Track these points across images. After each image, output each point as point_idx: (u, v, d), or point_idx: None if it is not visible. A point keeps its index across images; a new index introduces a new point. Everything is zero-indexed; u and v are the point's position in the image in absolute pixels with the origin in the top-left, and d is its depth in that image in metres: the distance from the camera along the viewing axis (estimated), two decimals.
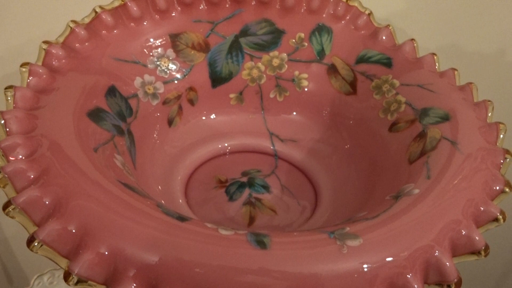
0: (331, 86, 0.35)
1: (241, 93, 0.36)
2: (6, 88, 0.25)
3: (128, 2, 0.31)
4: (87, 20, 0.31)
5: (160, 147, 0.32)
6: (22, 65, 0.27)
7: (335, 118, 0.34)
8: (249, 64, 0.35)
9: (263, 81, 0.36)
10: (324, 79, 0.35)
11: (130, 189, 0.21)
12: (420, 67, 0.32)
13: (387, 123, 0.30)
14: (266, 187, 0.32)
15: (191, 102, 0.34)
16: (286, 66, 0.35)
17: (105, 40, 0.31)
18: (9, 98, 0.25)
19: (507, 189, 0.23)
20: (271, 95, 0.36)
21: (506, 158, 0.24)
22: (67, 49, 0.29)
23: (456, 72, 0.31)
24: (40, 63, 0.28)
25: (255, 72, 0.35)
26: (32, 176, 0.21)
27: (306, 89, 0.35)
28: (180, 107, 0.34)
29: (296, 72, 0.35)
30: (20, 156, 0.22)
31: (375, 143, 0.30)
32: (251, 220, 0.29)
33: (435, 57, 0.32)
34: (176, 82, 0.33)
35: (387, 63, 0.33)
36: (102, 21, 0.30)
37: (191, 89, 0.34)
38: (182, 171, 0.32)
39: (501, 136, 0.26)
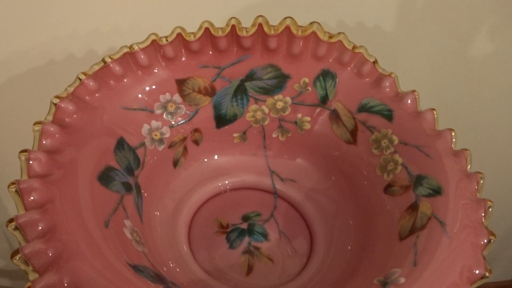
0: (333, 132, 0.36)
1: (244, 133, 0.37)
2: (20, 152, 0.27)
3: (138, 51, 0.31)
4: (96, 68, 0.31)
5: (164, 190, 0.33)
6: (35, 123, 0.28)
7: (334, 166, 0.35)
8: (253, 106, 0.36)
9: (266, 122, 0.36)
10: (326, 124, 0.36)
11: (139, 271, 0.23)
12: (419, 125, 0.32)
13: (383, 183, 0.32)
14: (264, 235, 0.34)
15: (196, 142, 0.36)
16: (290, 109, 0.36)
17: (114, 90, 0.31)
18: (23, 159, 0.27)
19: (487, 274, 0.25)
20: (274, 135, 0.37)
21: (490, 240, 0.26)
22: (77, 101, 0.30)
23: (453, 133, 0.32)
24: (51, 118, 0.29)
25: (259, 114, 0.36)
26: (50, 254, 0.23)
27: (308, 132, 0.36)
28: (185, 148, 0.35)
29: (299, 115, 0.36)
30: (39, 227, 0.23)
31: (372, 203, 0.31)
32: (249, 269, 0.31)
33: (434, 113, 0.33)
34: (181, 125, 0.34)
35: (388, 115, 0.34)
36: (110, 71, 0.31)
37: (196, 130, 0.35)
38: (186, 212, 0.34)
39: (490, 210, 0.28)
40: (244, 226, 0.34)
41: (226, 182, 0.37)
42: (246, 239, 0.33)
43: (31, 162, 0.26)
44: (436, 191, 0.28)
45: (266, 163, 0.37)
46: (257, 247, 0.33)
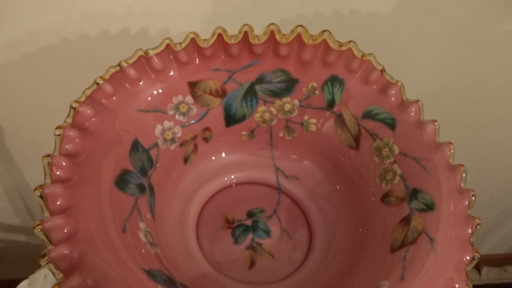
0: (337, 136, 0.37)
1: (252, 131, 0.38)
2: (44, 156, 0.29)
3: (152, 56, 0.32)
4: (112, 71, 0.32)
5: (175, 187, 0.36)
6: (56, 128, 0.30)
7: (338, 170, 0.37)
8: (262, 108, 0.37)
9: (274, 122, 0.38)
10: (331, 127, 0.37)
11: (152, 276, 0.26)
12: (420, 136, 0.34)
13: (381, 192, 0.33)
14: (267, 232, 0.36)
15: (206, 140, 0.37)
16: (297, 111, 0.37)
17: (129, 93, 0.33)
18: (46, 163, 0.29)
19: None
20: (280, 134, 0.39)
21: (474, 257, 0.28)
22: (94, 105, 0.31)
23: (451, 146, 0.33)
24: (70, 120, 0.31)
25: (267, 115, 0.37)
26: (75, 256, 0.25)
27: (313, 133, 0.38)
28: (195, 145, 0.37)
29: (306, 117, 0.38)
30: (64, 230, 0.26)
31: (371, 211, 0.33)
32: (252, 264, 0.34)
33: (436, 124, 0.34)
34: (193, 124, 0.36)
35: (391, 124, 0.35)
36: (126, 74, 0.32)
37: (206, 129, 0.37)
38: (194, 207, 0.36)
39: (477, 228, 0.30)
40: (249, 222, 0.37)
41: (233, 176, 0.39)
42: (250, 235, 0.36)
43: (54, 167, 0.28)
44: (429, 207, 0.30)
45: (272, 160, 0.39)
46: (259, 243, 0.36)
